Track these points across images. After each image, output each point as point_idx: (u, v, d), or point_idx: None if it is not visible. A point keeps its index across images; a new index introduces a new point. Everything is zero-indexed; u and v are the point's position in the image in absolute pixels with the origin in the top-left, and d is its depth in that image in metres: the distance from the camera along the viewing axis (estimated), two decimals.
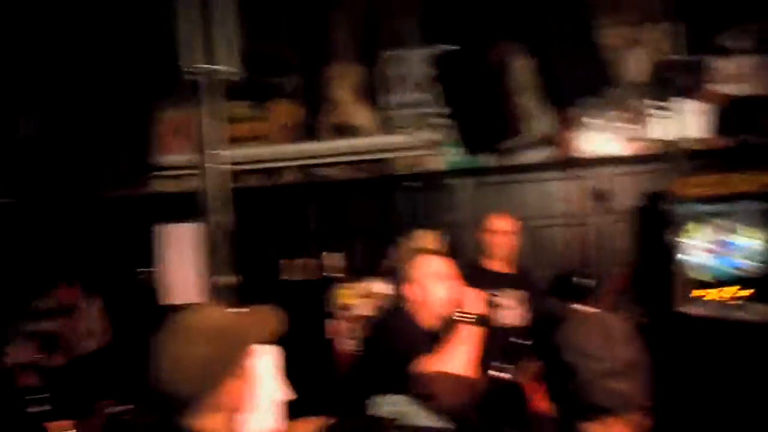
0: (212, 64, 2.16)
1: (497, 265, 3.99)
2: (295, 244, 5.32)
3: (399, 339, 2.38)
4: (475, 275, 3.86)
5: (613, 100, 4.68)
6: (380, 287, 4.97)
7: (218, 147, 2.11)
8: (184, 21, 2.06)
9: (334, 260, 5.18)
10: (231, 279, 2.07)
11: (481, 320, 2.37)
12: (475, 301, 2.41)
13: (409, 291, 2.50)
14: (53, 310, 4.68)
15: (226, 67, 2.20)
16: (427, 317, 2.49)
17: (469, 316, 2.36)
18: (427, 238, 2.66)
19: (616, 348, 1.38)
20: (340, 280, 5.07)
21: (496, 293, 3.78)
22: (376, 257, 4.82)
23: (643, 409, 1.39)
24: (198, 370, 1.36)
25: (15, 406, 3.93)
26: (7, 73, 4.65)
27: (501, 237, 3.97)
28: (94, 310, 4.84)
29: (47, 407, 3.96)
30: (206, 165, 2.06)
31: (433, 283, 2.49)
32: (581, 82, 3.69)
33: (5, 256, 5.07)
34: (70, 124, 5.69)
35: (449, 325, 2.56)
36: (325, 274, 5.14)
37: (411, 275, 2.52)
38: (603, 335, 1.40)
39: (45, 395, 3.99)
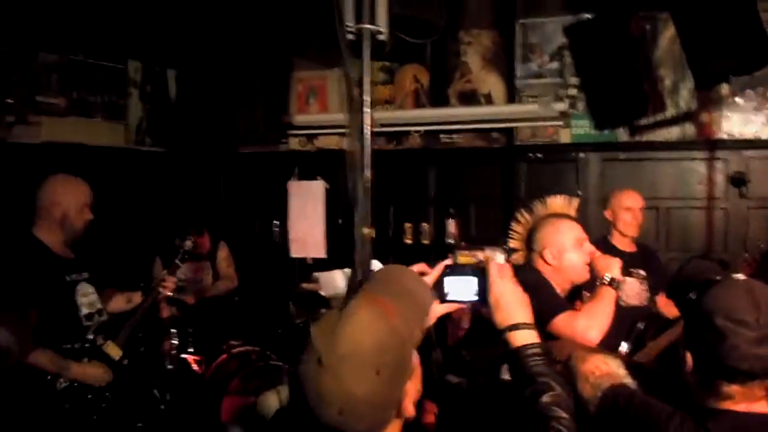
0: (365, 23, 2.21)
1: (622, 243, 3.90)
2: (415, 208, 5.41)
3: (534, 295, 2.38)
4: (600, 251, 3.82)
5: (762, 80, 4.41)
6: (497, 255, 4.99)
7: (366, 107, 2.18)
8: None
9: (452, 226, 5.23)
10: (371, 231, 2.16)
11: (618, 285, 2.36)
12: (611, 266, 2.40)
13: (545, 255, 2.49)
14: (192, 252, 4.99)
15: (378, 27, 2.25)
16: (560, 281, 2.47)
17: (609, 279, 2.35)
18: (563, 204, 2.62)
19: (764, 315, 1.39)
20: (457, 247, 5.12)
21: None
22: (494, 225, 4.83)
23: None
24: (374, 406, 1.14)
25: (157, 336, 4.29)
26: (158, 31, 4.96)
27: (629, 214, 3.87)
28: (223, 256, 5.12)
29: (177, 341, 4.30)
30: (355, 124, 2.14)
31: (570, 249, 2.47)
32: (728, 58, 3.46)
33: (149, 198, 5.46)
34: (214, 80, 6.03)
35: (583, 289, 2.55)
36: (446, 240, 5.22)
37: (547, 240, 2.50)
38: (753, 302, 1.40)
39: (180, 329, 4.33)
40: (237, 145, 6.03)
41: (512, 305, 1.49)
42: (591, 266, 2.45)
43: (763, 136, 4.60)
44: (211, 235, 5.03)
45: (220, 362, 4.30)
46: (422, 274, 1.55)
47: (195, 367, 4.31)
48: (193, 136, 5.97)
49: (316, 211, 5.27)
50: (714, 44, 3.40)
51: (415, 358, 1.25)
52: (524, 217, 2.63)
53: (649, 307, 3.79)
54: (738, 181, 4.63)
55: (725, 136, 4.66)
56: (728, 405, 1.42)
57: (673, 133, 4.77)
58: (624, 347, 3.26)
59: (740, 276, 1.53)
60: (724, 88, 4.50)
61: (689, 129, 4.74)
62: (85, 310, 3.02)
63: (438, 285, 1.55)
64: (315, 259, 5.47)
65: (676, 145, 4.77)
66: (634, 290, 3.79)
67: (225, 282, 5.04)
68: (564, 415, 1.34)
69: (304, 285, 5.04)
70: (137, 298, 3.33)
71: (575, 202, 2.64)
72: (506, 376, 2.26)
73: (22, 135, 4.63)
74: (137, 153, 5.56)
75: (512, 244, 2.65)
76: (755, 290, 1.43)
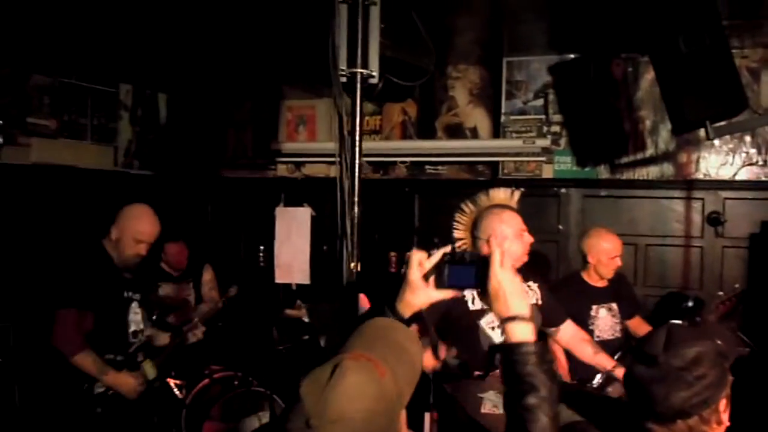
0: (358, 67, 2.30)
1: (593, 279, 3.93)
2: (400, 237, 5.48)
3: None
4: (574, 287, 3.89)
5: (740, 124, 4.56)
6: None
7: (357, 141, 2.27)
8: (337, 27, 2.23)
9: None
10: (358, 266, 2.23)
11: None
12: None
13: (491, 243, 2.56)
14: (174, 276, 4.99)
15: (370, 71, 2.34)
16: None
17: None
18: (505, 196, 2.80)
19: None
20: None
21: (593, 308, 3.82)
22: None
23: None
24: None
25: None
26: (150, 55, 5.01)
27: (608, 258, 3.90)
28: (208, 278, 5.14)
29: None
30: (346, 156, 2.22)
31: (512, 238, 2.62)
32: (707, 102, 3.59)
33: None
34: (203, 105, 6.09)
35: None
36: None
37: (492, 228, 2.66)
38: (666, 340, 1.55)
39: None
40: (225, 169, 6.09)
41: (511, 296, 1.49)
42: None
43: (739, 178, 4.75)
44: (192, 253, 5.04)
45: (201, 387, 4.31)
46: (421, 262, 1.58)
47: (176, 391, 4.32)
48: (182, 160, 6.02)
49: (302, 238, 5.33)
50: (691, 91, 3.53)
51: (402, 418, 1.27)
52: (469, 207, 2.80)
53: (621, 338, 3.88)
54: (714, 220, 4.76)
55: (702, 176, 4.80)
56: None
57: (652, 171, 4.90)
58: (597, 380, 3.34)
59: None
60: (701, 131, 4.64)
61: (668, 168, 4.87)
62: (133, 327, 3.28)
63: (437, 271, 1.57)
64: (299, 285, 5.52)
65: (655, 183, 4.90)
66: (607, 324, 3.87)
67: (209, 305, 5.05)
68: (543, 419, 1.37)
69: (288, 311, 5.07)
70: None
71: (516, 194, 2.81)
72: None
73: (12, 156, 4.67)
74: (125, 176, 5.59)
75: (457, 233, 2.79)
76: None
